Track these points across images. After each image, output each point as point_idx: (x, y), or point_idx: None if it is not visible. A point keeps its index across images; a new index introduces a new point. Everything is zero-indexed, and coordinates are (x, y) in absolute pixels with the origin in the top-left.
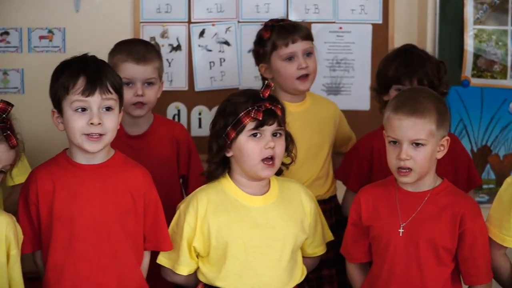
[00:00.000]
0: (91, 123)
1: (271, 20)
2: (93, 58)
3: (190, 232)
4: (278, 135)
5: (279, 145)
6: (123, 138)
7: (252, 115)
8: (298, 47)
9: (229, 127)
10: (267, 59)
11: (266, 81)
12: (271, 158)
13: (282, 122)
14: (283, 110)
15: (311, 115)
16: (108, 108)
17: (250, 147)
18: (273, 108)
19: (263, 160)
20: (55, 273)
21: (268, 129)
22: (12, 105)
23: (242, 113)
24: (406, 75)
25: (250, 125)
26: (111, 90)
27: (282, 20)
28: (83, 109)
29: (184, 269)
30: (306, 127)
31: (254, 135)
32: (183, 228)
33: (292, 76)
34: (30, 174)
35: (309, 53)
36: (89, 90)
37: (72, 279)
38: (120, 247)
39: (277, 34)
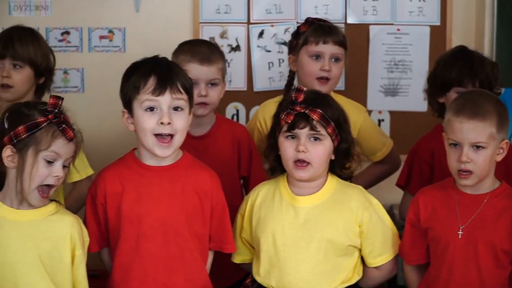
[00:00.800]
0: (161, 123)
1: (314, 18)
2: (164, 59)
3: (241, 221)
4: (316, 139)
5: (315, 149)
6: (186, 139)
7: (283, 117)
8: (327, 49)
9: (276, 127)
10: (296, 51)
11: (296, 85)
12: (304, 161)
13: (320, 127)
14: (323, 115)
15: None
16: (178, 108)
17: (284, 147)
18: (306, 112)
19: (295, 161)
20: (121, 273)
21: (302, 132)
22: (62, 98)
23: (280, 115)
24: (469, 77)
25: (284, 126)
26: (181, 90)
27: (324, 20)
28: (153, 109)
29: (236, 257)
30: None
31: (290, 136)
32: (237, 217)
33: (313, 74)
34: (98, 174)
35: (337, 59)
36: (159, 90)
37: (139, 280)
38: (187, 248)
39: (312, 30)
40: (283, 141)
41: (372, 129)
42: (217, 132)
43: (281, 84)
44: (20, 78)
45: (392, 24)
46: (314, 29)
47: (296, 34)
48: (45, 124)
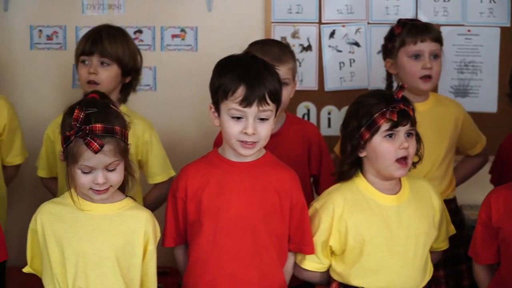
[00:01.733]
0: (245, 132)
1: (406, 19)
2: (257, 61)
3: (325, 231)
4: (411, 135)
5: (412, 145)
6: None
7: (387, 116)
8: (426, 46)
9: (363, 128)
10: (394, 54)
11: (400, 83)
12: (405, 158)
13: (414, 122)
14: (414, 110)
15: (431, 116)
16: (264, 119)
17: (385, 147)
18: (406, 109)
19: (398, 160)
20: (197, 266)
21: (402, 130)
22: (87, 110)
23: (377, 114)
24: None
25: (384, 126)
26: (268, 101)
27: (416, 20)
28: (240, 118)
29: (310, 264)
30: (425, 127)
31: (389, 135)
32: (318, 227)
33: (416, 74)
34: (181, 171)
35: (435, 56)
36: (247, 101)
37: (214, 274)
38: (264, 245)
39: (407, 31)
40: (381, 141)
41: (471, 122)
42: (287, 131)
43: (351, 84)
44: (107, 75)
45: (462, 25)
46: (409, 29)
47: (390, 37)
48: (73, 137)
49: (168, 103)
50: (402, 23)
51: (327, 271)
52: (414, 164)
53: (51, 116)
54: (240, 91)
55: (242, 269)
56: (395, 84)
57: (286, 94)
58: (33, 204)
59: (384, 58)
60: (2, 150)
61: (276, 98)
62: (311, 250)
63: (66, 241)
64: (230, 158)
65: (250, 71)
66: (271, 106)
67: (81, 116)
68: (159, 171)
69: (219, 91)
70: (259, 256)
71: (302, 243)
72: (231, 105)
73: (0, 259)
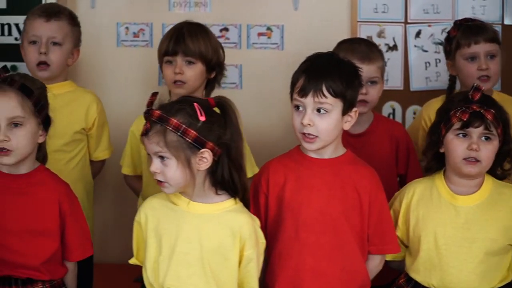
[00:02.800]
0: (302, 123)
1: (462, 19)
2: (328, 56)
3: (395, 221)
4: (488, 139)
5: (486, 149)
6: (344, 136)
7: (458, 115)
8: (480, 48)
9: (442, 124)
10: (452, 56)
11: (475, 84)
12: (475, 158)
13: (493, 127)
14: (497, 115)
15: None
16: (321, 110)
17: (454, 145)
18: (481, 111)
19: (465, 159)
20: (279, 262)
21: (475, 131)
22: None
23: (452, 112)
24: None
25: (456, 124)
26: (326, 94)
27: (472, 20)
28: (299, 107)
29: (390, 255)
30: None
31: (463, 135)
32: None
33: (473, 76)
34: (264, 166)
35: (492, 56)
36: (303, 91)
37: (296, 268)
38: (346, 239)
39: (462, 34)
40: (452, 138)
41: None
42: (375, 130)
43: (437, 84)
44: (193, 74)
45: None
46: (463, 32)
47: (448, 39)
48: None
49: (254, 101)
50: (457, 24)
51: (403, 261)
52: (508, 171)
53: (136, 113)
54: (301, 81)
55: (324, 263)
56: (458, 85)
57: (375, 92)
58: (115, 200)
59: (446, 59)
60: (90, 145)
61: (337, 93)
62: (395, 249)
63: (164, 237)
64: (311, 155)
65: (315, 64)
66: (330, 100)
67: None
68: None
69: (291, 83)
70: (341, 250)
71: (383, 243)
72: (294, 96)
73: (86, 254)
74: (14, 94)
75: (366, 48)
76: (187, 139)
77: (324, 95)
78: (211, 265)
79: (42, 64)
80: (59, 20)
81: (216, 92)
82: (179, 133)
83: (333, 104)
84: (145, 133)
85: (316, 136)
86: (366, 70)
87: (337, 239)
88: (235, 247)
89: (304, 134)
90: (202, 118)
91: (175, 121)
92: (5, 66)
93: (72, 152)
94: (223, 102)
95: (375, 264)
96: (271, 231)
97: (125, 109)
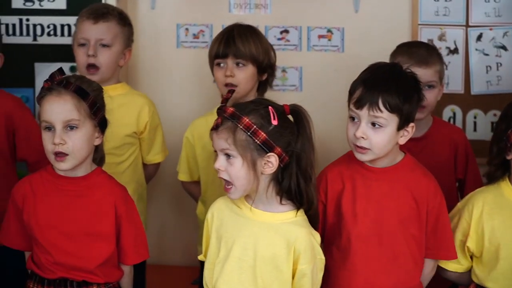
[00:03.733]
0: (355, 135)
1: None
2: (384, 69)
3: (464, 232)
4: None
5: None
6: None
7: None
8: None
9: (510, 130)
10: None
11: None
12: None
13: None
14: None
15: None
16: (376, 124)
17: None
18: None
19: None
20: (333, 271)
21: None
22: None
23: None
24: None
25: None
26: (381, 108)
27: None
28: (354, 119)
29: (448, 264)
30: None
31: None
32: (457, 227)
33: None
34: (321, 173)
35: None
36: (359, 103)
37: (349, 279)
38: (400, 251)
39: None
40: None
41: None
42: (434, 134)
43: (498, 88)
44: (244, 76)
45: None
46: None
47: None
48: None
49: (313, 103)
50: None
51: (468, 272)
52: None
53: (195, 115)
54: (357, 92)
55: (378, 274)
56: None
57: (433, 96)
58: (171, 203)
59: None
60: (143, 148)
61: (393, 108)
62: (451, 255)
63: (223, 239)
64: (367, 163)
65: (374, 76)
66: (386, 115)
67: None
68: None
69: (349, 91)
70: (395, 262)
71: (439, 248)
72: (350, 106)
73: (142, 257)
74: (70, 96)
75: (425, 52)
76: (256, 140)
77: (380, 109)
78: (263, 275)
79: (92, 67)
80: (108, 21)
81: (274, 94)
82: (249, 133)
83: (388, 119)
84: (215, 128)
85: (369, 149)
86: (424, 74)
87: (392, 251)
88: (289, 260)
89: (355, 145)
90: (275, 122)
91: (247, 120)
92: (60, 69)
93: (123, 155)
94: (298, 111)
95: (428, 269)
96: (329, 239)
97: (184, 111)
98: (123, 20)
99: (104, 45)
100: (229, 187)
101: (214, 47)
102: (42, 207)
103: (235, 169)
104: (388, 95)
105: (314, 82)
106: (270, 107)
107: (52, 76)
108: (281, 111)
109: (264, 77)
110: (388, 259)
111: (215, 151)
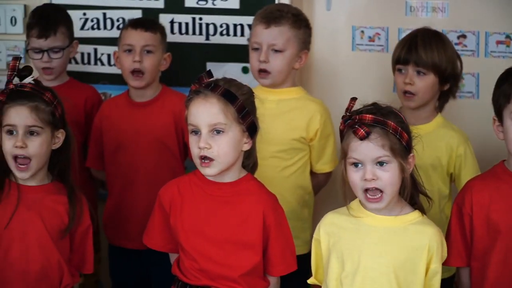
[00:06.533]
0: None
1: None
2: None
3: None
4: None
5: None
6: None
7: None
8: None
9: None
10: None
11: None
12: None
13: None
14: None
15: None
16: None
17: None
18: None
19: None
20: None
21: None
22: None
23: None
24: None
25: None
26: None
27: None
28: None
29: None
30: None
31: None
32: None
33: None
34: (466, 185)
35: None
36: None
37: None
38: None
39: None
40: None
41: None
42: None
43: None
44: (423, 85)
45: None
46: None
47: None
48: (344, 131)
49: (491, 111)
50: None
51: None
52: None
53: None
54: None
55: None
56: None
57: None
58: None
59: None
60: (312, 156)
61: None
62: None
63: (346, 252)
64: None
65: None
66: None
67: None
68: None
69: (500, 98)
70: None
71: None
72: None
73: (290, 269)
74: (216, 100)
75: None
76: (402, 141)
77: None
78: (398, 280)
79: (263, 72)
80: (280, 26)
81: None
82: (397, 135)
83: None
84: (364, 137)
85: None
86: None
87: None
88: (423, 261)
89: None
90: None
91: (392, 122)
92: (209, 71)
93: (289, 160)
94: None
95: None
96: (478, 253)
97: None
98: (298, 23)
99: (276, 51)
100: (378, 196)
101: (397, 52)
102: (188, 211)
103: (391, 175)
104: None
105: (491, 89)
106: (393, 108)
107: (200, 78)
108: None
109: (446, 87)
110: None
111: (354, 163)
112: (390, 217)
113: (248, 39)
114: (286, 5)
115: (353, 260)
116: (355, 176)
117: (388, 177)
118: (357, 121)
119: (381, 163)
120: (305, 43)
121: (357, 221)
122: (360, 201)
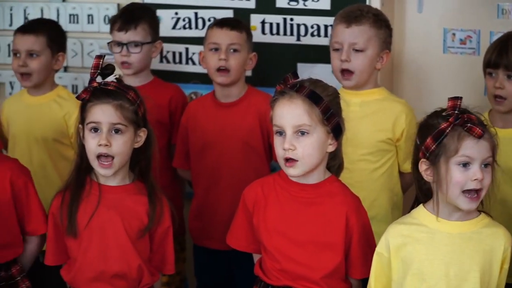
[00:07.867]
0: None
1: None
2: None
3: None
4: None
5: None
6: None
7: None
8: None
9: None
10: None
11: None
12: None
13: None
14: None
15: None
16: None
17: None
18: None
19: None
20: None
21: None
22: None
23: None
24: None
25: None
26: None
27: None
28: None
29: None
30: None
31: None
32: None
33: None
34: None
35: None
36: None
37: None
38: None
39: None
40: None
41: None
42: None
43: None
44: None
45: None
46: None
47: None
48: (449, 129)
49: None
50: None
51: None
52: None
53: None
54: None
55: None
56: None
57: None
58: None
59: None
60: (399, 156)
61: None
62: None
63: (426, 264)
64: None
65: None
66: None
67: (458, 103)
68: None
69: None
70: None
71: None
72: None
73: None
74: (301, 101)
75: None
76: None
77: None
78: (481, 285)
79: (347, 72)
80: (361, 25)
81: None
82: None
83: None
84: (482, 136)
85: None
86: None
87: None
88: (498, 262)
89: None
90: None
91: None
92: (294, 72)
93: (378, 162)
94: None
95: None
96: None
97: None
98: (379, 22)
99: (357, 50)
100: (475, 196)
101: (488, 55)
102: (272, 212)
103: (490, 178)
104: None
105: None
106: None
107: (285, 79)
108: None
109: None
110: None
111: (464, 163)
112: (462, 222)
113: (330, 40)
114: (367, 5)
115: (434, 269)
116: (461, 177)
117: (488, 179)
118: (467, 120)
119: (486, 165)
120: (386, 43)
121: (429, 230)
122: (424, 206)
